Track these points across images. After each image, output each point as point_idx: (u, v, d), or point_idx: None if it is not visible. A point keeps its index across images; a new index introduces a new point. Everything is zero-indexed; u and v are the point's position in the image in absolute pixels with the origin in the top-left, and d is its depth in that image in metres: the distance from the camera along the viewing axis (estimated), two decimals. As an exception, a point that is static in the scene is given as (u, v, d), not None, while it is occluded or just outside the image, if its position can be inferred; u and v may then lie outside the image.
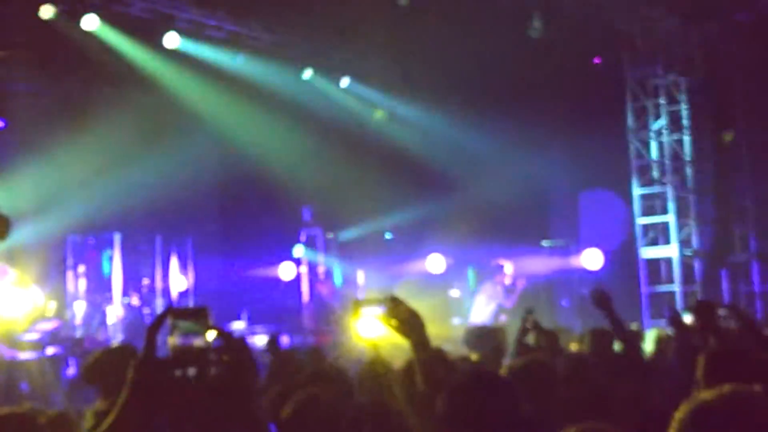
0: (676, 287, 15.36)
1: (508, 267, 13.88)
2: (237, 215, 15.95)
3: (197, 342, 3.51)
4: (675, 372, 6.50)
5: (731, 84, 15.74)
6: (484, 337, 7.43)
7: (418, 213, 16.36)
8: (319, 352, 6.91)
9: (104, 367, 5.38)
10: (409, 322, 3.65)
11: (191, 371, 3.46)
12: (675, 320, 7.18)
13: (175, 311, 3.57)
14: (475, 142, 16.03)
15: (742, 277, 15.77)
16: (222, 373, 3.64)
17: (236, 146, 15.27)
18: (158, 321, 3.63)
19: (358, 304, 3.89)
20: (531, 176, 16.15)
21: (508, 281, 13.79)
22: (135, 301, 14.58)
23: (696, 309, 6.63)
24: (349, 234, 16.75)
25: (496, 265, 13.97)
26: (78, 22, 12.87)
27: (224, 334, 4.08)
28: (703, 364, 4.47)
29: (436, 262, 16.65)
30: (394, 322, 3.62)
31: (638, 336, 8.41)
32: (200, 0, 13.59)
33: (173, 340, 3.49)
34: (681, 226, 15.54)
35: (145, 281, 14.95)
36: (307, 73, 15.57)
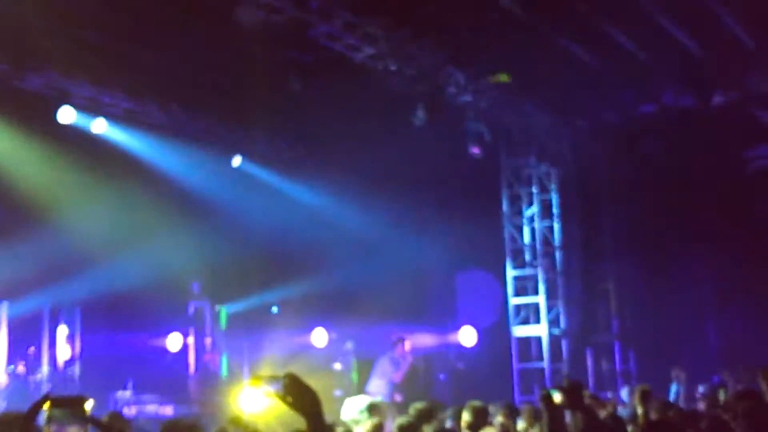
0: (545, 364, 16.17)
1: (407, 343, 14.36)
2: (126, 287, 15.96)
3: (72, 430, 3.60)
4: None
5: (598, 176, 16.80)
6: (368, 410, 7.59)
7: (303, 289, 16.78)
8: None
9: None
10: (305, 399, 3.55)
11: None
12: (545, 399, 7.61)
13: (52, 399, 3.66)
14: (359, 222, 16.62)
15: (605, 355, 16.68)
16: None
17: (128, 220, 15.33)
18: (35, 409, 3.69)
19: (257, 378, 3.74)
20: (411, 256, 16.77)
21: (403, 356, 14.26)
22: (20, 369, 14.51)
23: (566, 389, 6.99)
24: (236, 307, 17.03)
25: (396, 339, 14.41)
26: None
27: (101, 424, 4.42)
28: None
29: (320, 337, 17.15)
30: (289, 398, 3.51)
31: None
32: (97, 78, 13.87)
33: (47, 430, 3.59)
34: (550, 307, 16.40)
35: (32, 350, 14.92)
36: (198, 154, 15.91)
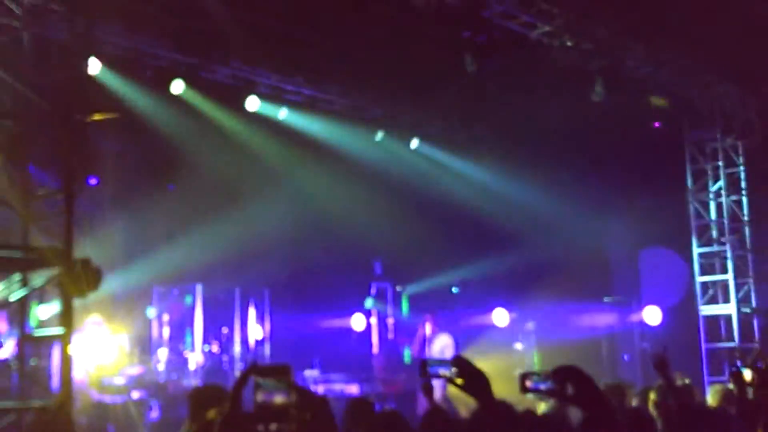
0: (735, 344, 15.63)
1: (428, 323, 14.15)
2: (311, 269, 16.50)
3: (279, 398, 3.69)
4: (737, 426, 6.85)
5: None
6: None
7: (484, 268, 16.82)
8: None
9: (199, 397, 6.08)
10: (475, 382, 3.58)
11: (273, 427, 3.64)
12: (736, 376, 7.45)
13: (258, 369, 3.79)
14: (540, 201, 16.50)
15: (800, 334, 15.94)
16: (302, 429, 3.84)
17: (311, 204, 15.90)
18: (243, 378, 3.88)
19: (424, 364, 3.85)
20: (594, 235, 16.51)
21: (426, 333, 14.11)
22: (215, 348, 15.19)
23: (758, 368, 6.82)
24: (417, 288, 17.26)
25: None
26: (167, 87, 13.80)
27: (304, 392, 4.57)
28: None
29: (500, 316, 17.17)
30: (460, 381, 3.56)
31: (691, 390, 8.76)
32: (279, 66, 14.36)
33: (257, 396, 3.68)
34: (740, 285, 15.80)
35: (225, 330, 15.62)
36: (379, 135, 16.34)
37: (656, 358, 6.98)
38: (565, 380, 3.34)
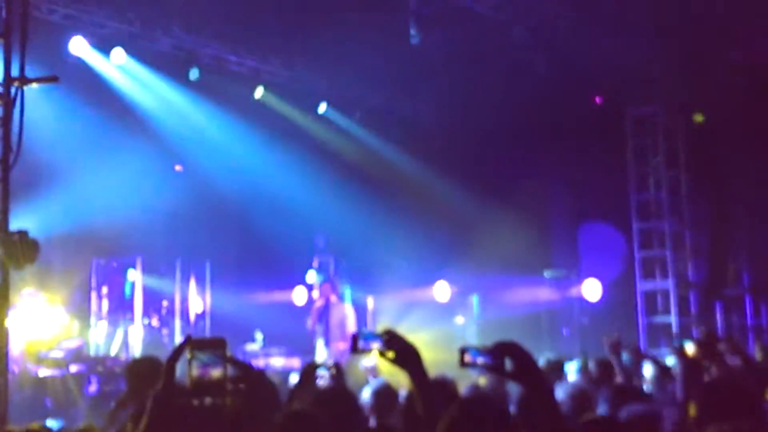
0: (673, 318, 15.91)
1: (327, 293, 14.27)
2: (253, 241, 16.43)
3: (215, 372, 3.62)
4: (677, 402, 6.83)
5: (730, 123, 16.21)
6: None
7: (425, 240, 16.85)
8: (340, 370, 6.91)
9: (136, 370, 6.04)
10: (405, 355, 3.57)
11: (209, 401, 3.59)
12: (680, 351, 7.60)
13: (193, 342, 3.67)
14: (481, 172, 16.62)
15: (736, 309, 16.24)
16: (239, 402, 3.85)
17: (253, 176, 15.83)
18: (177, 351, 3.72)
19: (355, 338, 3.79)
20: (534, 207, 16.63)
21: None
22: (155, 322, 15.10)
23: (700, 340, 6.99)
24: (359, 261, 17.25)
25: None
26: (107, 57, 13.60)
27: (241, 365, 4.52)
28: (704, 396, 4.82)
29: (442, 291, 17.21)
30: (390, 354, 3.54)
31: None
32: (223, 37, 14.23)
33: (191, 370, 3.61)
34: (677, 260, 16.07)
35: (165, 303, 15.51)
36: (322, 108, 16.26)
37: (611, 343, 7.69)
38: (504, 355, 3.34)
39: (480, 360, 3.49)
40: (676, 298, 15.95)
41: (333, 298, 13.88)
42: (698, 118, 15.03)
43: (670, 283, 15.98)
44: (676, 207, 16.23)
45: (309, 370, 5.67)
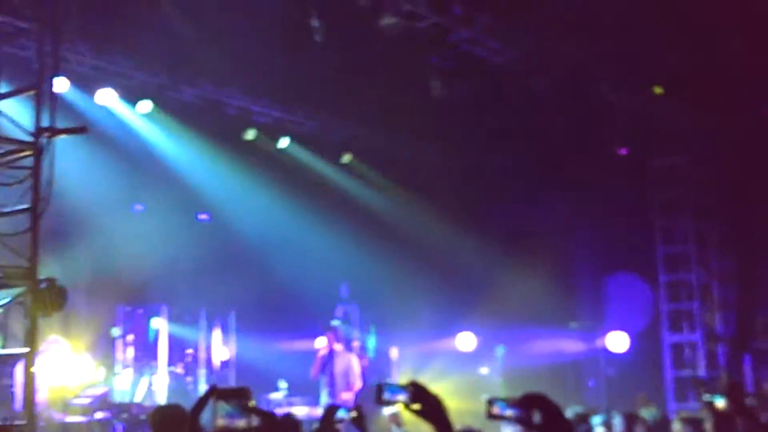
0: (701, 371, 15.70)
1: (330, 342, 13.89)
2: (277, 290, 16.47)
3: (239, 422, 3.71)
4: None
5: (757, 175, 16.04)
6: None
7: (449, 292, 16.82)
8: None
9: (160, 418, 6.05)
10: (431, 408, 3.53)
11: None
12: (710, 406, 7.51)
13: (218, 391, 3.82)
14: (505, 227, 16.60)
15: (765, 362, 16.02)
16: None
17: (278, 225, 15.90)
18: (203, 400, 3.88)
19: (380, 389, 3.77)
20: (560, 260, 16.58)
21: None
22: (179, 370, 15.12)
23: (730, 391, 6.90)
24: (383, 311, 17.22)
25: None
26: (133, 106, 13.79)
27: (265, 414, 4.51)
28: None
29: (466, 341, 17.14)
30: (416, 407, 3.50)
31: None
32: (248, 88, 14.42)
33: (217, 420, 3.69)
34: (705, 312, 15.90)
35: (189, 351, 15.52)
36: (346, 158, 16.36)
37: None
38: (532, 407, 3.33)
39: (508, 412, 3.53)
40: (705, 350, 15.76)
41: (338, 346, 13.78)
42: (657, 89, 14.51)
43: (697, 336, 15.80)
44: (703, 259, 16.11)
45: (330, 414, 5.69)
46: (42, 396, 11.97)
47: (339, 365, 13.60)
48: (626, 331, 16.37)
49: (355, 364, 13.72)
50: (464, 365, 16.39)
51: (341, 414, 6.10)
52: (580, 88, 13.65)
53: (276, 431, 4.22)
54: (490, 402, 3.57)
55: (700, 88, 13.82)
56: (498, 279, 16.10)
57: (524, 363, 15.85)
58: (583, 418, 8.29)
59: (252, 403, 3.80)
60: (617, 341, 16.33)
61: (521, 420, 3.41)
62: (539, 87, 13.34)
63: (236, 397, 3.74)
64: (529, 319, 15.78)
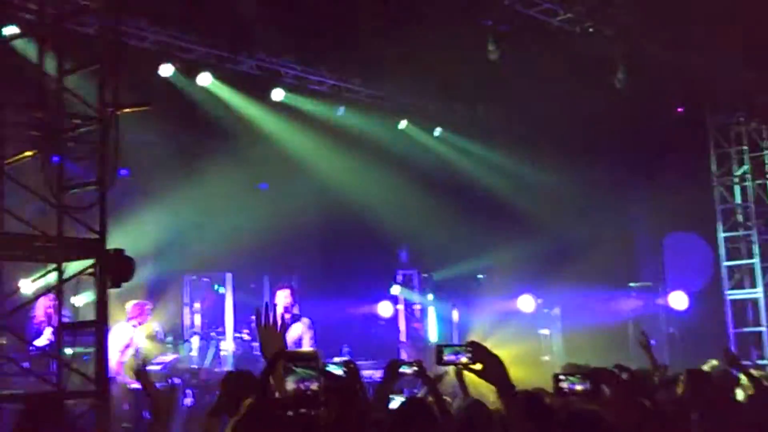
0: (763, 328, 15.64)
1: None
2: (338, 256, 16.62)
3: (308, 384, 3.58)
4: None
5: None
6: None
7: (509, 255, 16.89)
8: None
9: (231, 385, 6.21)
10: (491, 367, 3.55)
11: (303, 412, 3.59)
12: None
13: (285, 355, 3.69)
14: (564, 187, 16.54)
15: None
16: (333, 413, 3.87)
17: (337, 192, 16.07)
18: (271, 365, 3.81)
19: (440, 350, 3.87)
20: (618, 220, 16.53)
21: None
22: (245, 336, 15.37)
23: None
24: (443, 275, 17.36)
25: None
26: (194, 80, 14.04)
27: (333, 376, 4.62)
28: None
29: (526, 302, 17.25)
30: (477, 367, 3.53)
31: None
32: (304, 58, 14.56)
33: (285, 383, 3.59)
34: (766, 269, 15.79)
35: (254, 318, 15.73)
36: (403, 123, 16.47)
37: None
38: (600, 383, 3.40)
39: (578, 386, 3.63)
40: (766, 307, 15.68)
41: (288, 316, 13.45)
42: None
43: (759, 293, 15.72)
44: (763, 215, 15.98)
45: (393, 367, 5.77)
46: (115, 364, 12.29)
47: (291, 334, 12.78)
48: (686, 290, 16.32)
49: (307, 331, 13.25)
50: (525, 328, 16.46)
51: (404, 369, 6.15)
52: (635, 45, 13.58)
53: (344, 393, 4.14)
54: (558, 378, 3.65)
55: (761, 43, 13.67)
56: (558, 242, 16.11)
57: (584, 323, 15.89)
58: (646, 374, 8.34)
59: (319, 365, 3.70)
60: (678, 300, 16.29)
61: (590, 394, 3.45)
62: (593, 47, 13.31)
63: (304, 359, 3.64)
64: (590, 281, 15.75)
